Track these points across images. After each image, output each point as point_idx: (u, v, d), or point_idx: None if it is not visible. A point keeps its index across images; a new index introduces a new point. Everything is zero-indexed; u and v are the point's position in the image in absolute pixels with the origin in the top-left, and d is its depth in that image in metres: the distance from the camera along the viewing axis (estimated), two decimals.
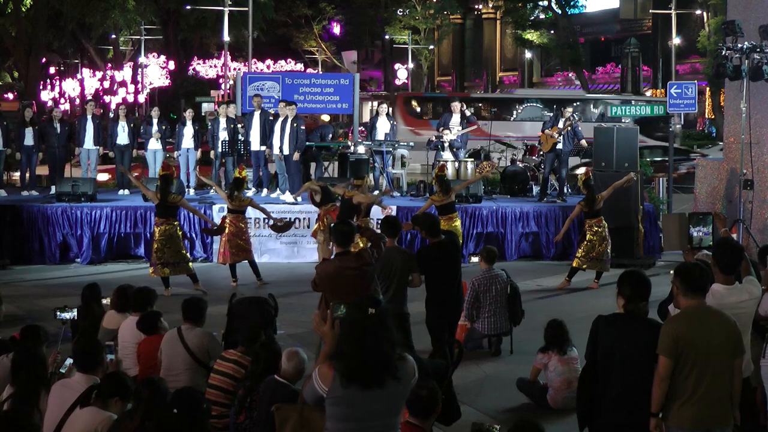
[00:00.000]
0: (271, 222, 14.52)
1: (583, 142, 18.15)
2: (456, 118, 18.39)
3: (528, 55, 59.51)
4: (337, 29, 62.97)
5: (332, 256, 7.71)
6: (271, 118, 17.56)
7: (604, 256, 13.90)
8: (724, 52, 13.57)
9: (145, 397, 5.56)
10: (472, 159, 19.42)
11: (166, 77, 57.98)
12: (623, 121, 21.72)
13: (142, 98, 57.98)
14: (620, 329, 5.70)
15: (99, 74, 61.56)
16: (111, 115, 28.84)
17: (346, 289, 7.20)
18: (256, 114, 17.71)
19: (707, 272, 5.80)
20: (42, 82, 55.81)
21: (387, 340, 4.67)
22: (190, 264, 13.57)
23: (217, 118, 18.17)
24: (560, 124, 17.26)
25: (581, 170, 18.45)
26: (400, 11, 57.21)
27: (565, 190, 17.57)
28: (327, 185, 14.35)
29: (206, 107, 37.29)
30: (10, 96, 56.61)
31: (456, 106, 18.86)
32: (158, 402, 5.50)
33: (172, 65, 54.67)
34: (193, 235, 15.90)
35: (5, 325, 9.85)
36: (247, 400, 6.46)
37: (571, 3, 47.31)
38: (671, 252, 15.22)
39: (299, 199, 16.25)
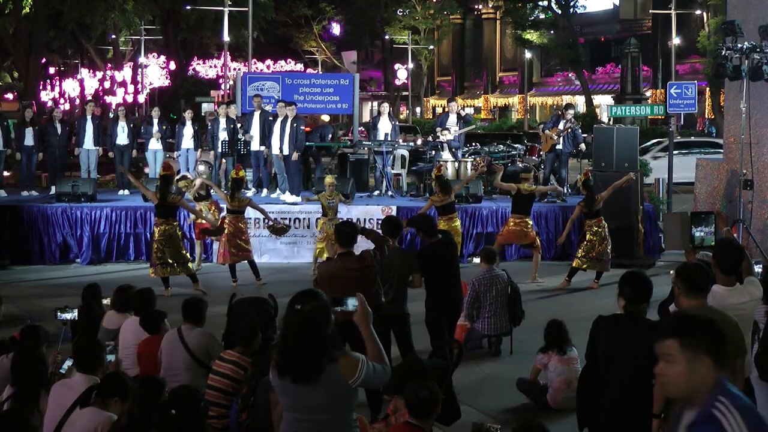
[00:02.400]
0: (270, 223, 14.53)
1: (582, 146, 18.14)
2: (453, 119, 18.37)
3: (528, 55, 59.55)
4: (337, 29, 63.00)
5: (335, 256, 7.70)
6: (270, 118, 17.57)
7: (604, 256, 13.89)
8: (724, 52, 13.55)
9: (136, 395, 5.55)
10: (472, 158, 19.41)
11: (166, 77, 57.99)
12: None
13: (142, 98, 58.02)
14: (621, 330, 5.70)
15: (99, 74, 61.57)
16: (111, 115, 28.83)
17: (346, 290, 7.17)
18: (256, 114, 17.71)
19: (708, 272, 5.79)
20: (42, 82, 55.80)
21: (307, 338, 4.65)
22: (190, 264, 13.59)
23: (217, 119, 18.16)
24: (560, 126, 17.25)
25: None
26: (400, 11, 57.26)
27: (565, 190, 17.56)
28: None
29: (206, 107, 37.25)
30: (10, 96, 56.69)
31: (453, 106, 18.85)
32: (149, 400, 5.48)
33: (172, 65, 54.66)
34: (193, 236, 15.88)
35: (5, 325, 9.84)
36: (251, 399, 6.45)
37: (571, 3, 47.30)
38: (671, 252, 15.22)
39: (299, 199, 16.31)
